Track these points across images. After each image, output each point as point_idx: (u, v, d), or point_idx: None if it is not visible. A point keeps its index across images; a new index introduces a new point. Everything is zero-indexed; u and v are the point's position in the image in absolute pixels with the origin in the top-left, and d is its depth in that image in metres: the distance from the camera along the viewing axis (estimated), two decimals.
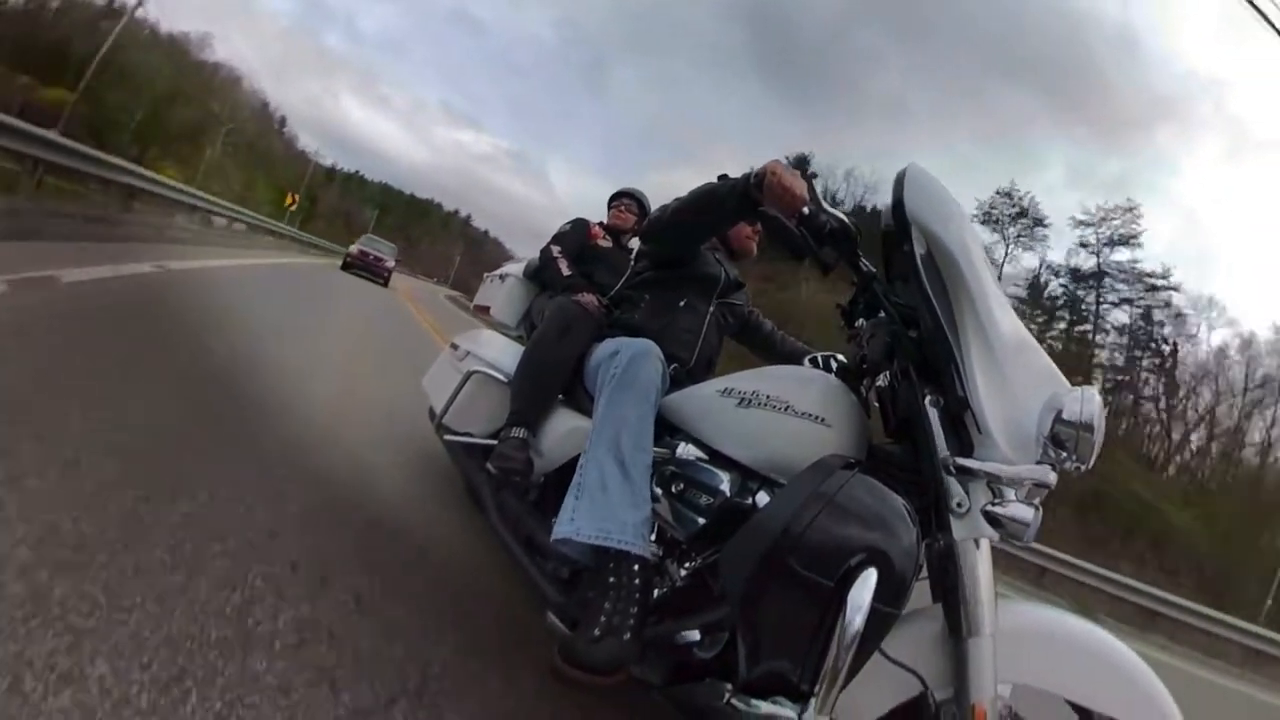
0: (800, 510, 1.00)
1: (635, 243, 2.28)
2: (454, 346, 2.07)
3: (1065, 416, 0.95)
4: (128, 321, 3.24)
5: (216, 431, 2.05)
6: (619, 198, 2.67)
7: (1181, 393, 27.03)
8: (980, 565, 1.00)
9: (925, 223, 1.08)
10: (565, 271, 2.24)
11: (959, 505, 1.01)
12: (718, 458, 1.29)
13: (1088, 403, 0.94)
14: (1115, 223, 30.59)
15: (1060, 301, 30.75)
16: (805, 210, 1.26)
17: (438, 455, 2.25)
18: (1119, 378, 28.39)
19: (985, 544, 1.01)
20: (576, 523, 1.22)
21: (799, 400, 1.23)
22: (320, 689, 1.07)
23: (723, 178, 1.44)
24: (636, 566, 1.20)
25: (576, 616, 1.21)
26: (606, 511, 1.21)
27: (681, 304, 1.72)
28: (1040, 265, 31.61)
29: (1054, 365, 1.08)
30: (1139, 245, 30.44)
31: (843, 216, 1.28)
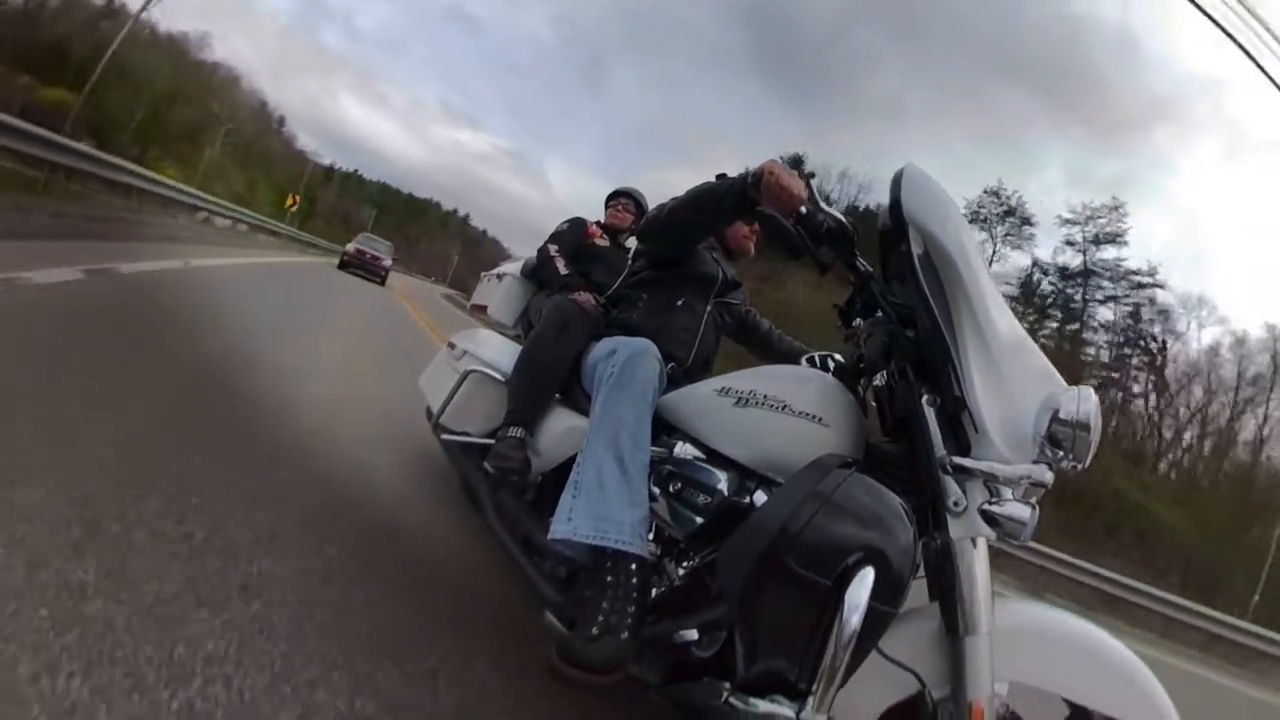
0: (798, 509, 1.00)
1: (633, 242, 2.28)
2: (451, 346, 2.07)
3: (1062, 416, 0.95)
4: (132, 316, 3.30)
5: (211, 430, 2.05)
6: (616, 197, 2.66)
7: (1171, 390, 27.17)
8: (977, 564, 1.00)
9: (922, 223, 1.08)
10: (562, 270, 2.24)
11: (956, 504, 1.01)
12: (715, 457, 1.29)
13: (1084, 402, 0.95)
14: (1101, 221, 30.89)
15: (1049, 300, 30.98)
16: (803, 210, 1.26)
17: (435, 454, 2.25)
18: (1108, 374, 28.52)
19: (982, 543, 1.02)
20: (574, 522, 1.22)
21: (796, 399, 1.23)
22: (316, 692, 1.07)
23: (721, 177, 1.44)
24: (634, 566, 1.20)
25: (574, 616, 1.21)
26: (604, 511, 1.21)
27: (679, 303, 1.72)
28: (1032, 265, 31.89)
29: (1050, 365, 1.09)
30: (1125, 243, 30.72)
31: (840, 216, 1.28)
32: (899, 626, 1.01)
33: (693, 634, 1.17)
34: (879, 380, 1.26)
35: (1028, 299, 30.17)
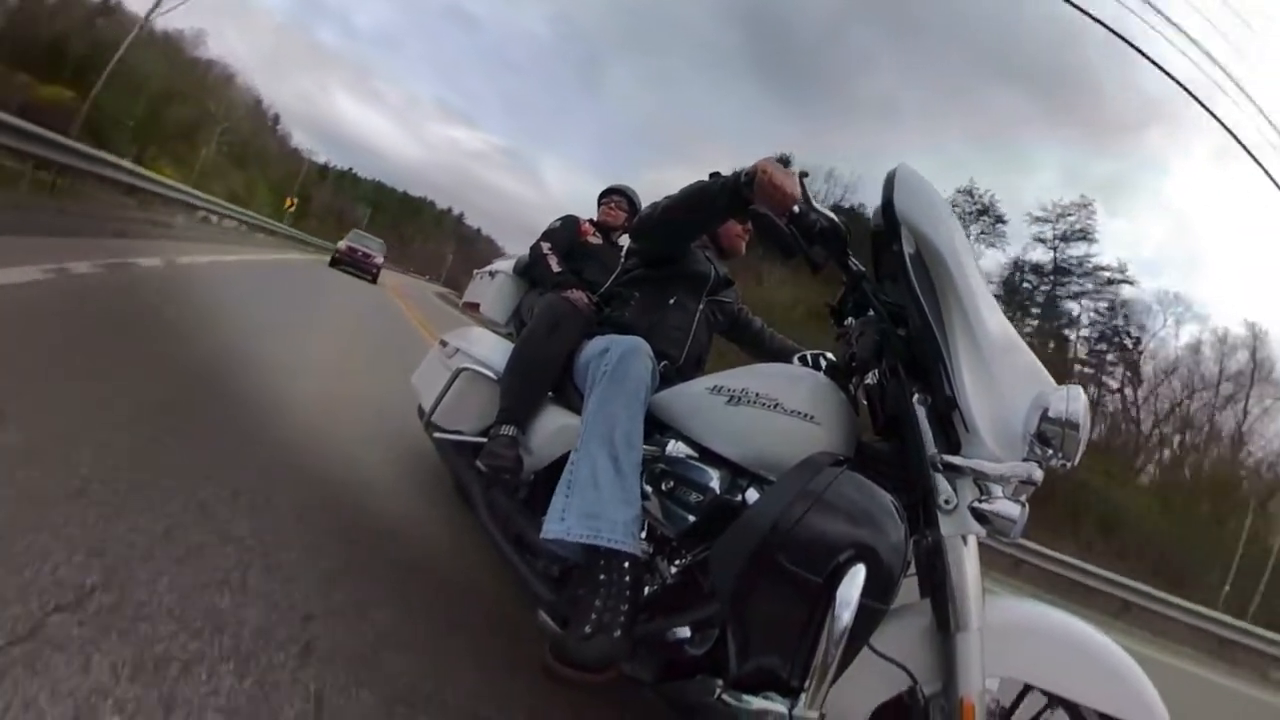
0: (789, 507, 1.01)
1: (625, 240, 2.28)
2: (443, 344, 2.06)
3: (1051, 414, 0.96)
4: (138, 310, 3.41)
5: (205, 430, 2.04)
6: (609, 194, 2.66)
7: (1144, 387, 27.51)
8: (967, 561, 1.01)
9: (914, 223, 1.09)
10: (555, 268, 2.24)
11: (946, 502, 1.02)
12: (707, 455, 1.29)
13: (1073, 401, 0.96)
14: (1071, 218, 31.12)
15: (1024, 296, 31.27)
16: (796, 209, 1.27)
17: (427, 453, 2.25)
18: (1083, 369, 28.85)
19: (972, 540, 1.03)
20: (567, 522, 1.22)
21: (788, 398, 1.24)
22: (311, 695, 1.07)
23: (714, 175, 1.44)
24: (627, 564, 1.20)
25: (567, 614, 1.21)
26: (597, 510, 1.21)
27: (671, 301, 1.72)
28: (1020, 264, 32.20)
29: (1040, 364, 1.10)
30: (1095, 240, 30.99)
31: (832, 216, 1.28)
32: (890, 623, 1.02)
33: (685, 632, 1.17)
34: (870, 379, 1.27)
35: (1010, 296, 30.48)
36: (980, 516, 1.00)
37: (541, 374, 1.62)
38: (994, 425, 1.02)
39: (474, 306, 2.51)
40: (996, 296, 1.11)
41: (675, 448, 1.33)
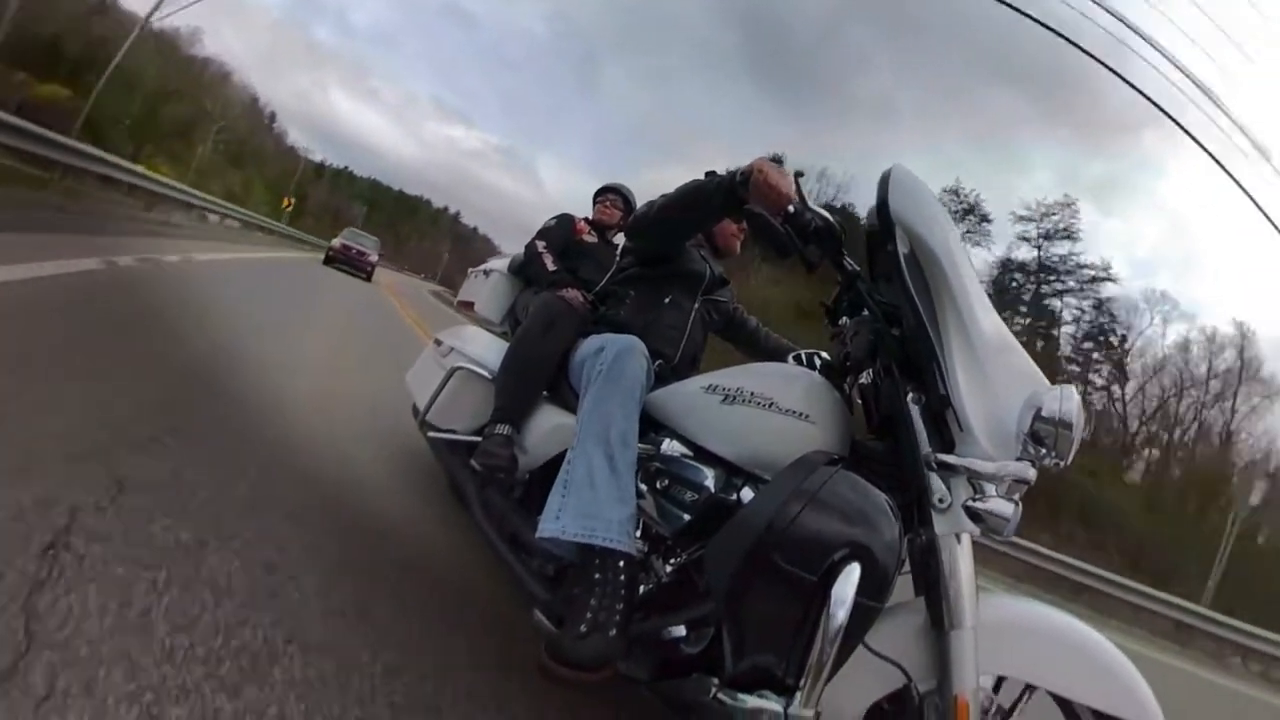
0: (784, 506, 1.01)
1: (621, 238, 2.28)
2: (438, 342, 2.06)
3: (1045, 414, 0.96)
4: (138, 310, 3.38)
5: (200, 428, 2.03)
6: (604, 193, 2.65)
7: (1130, 385, 27.73)
8: (961, 559, 1.02)
9: (909, 223, 1.09)
10: (550, 267, 2.23)
11: (940, 501, 1.02)
12: (702, 454, 1.29)
13: (1066, 400, 0.96)
14: (1055, 217, 31.32)
15: (1013, 295, 31.46)
16: (791, 209, 1.27)
17: (421, 452, 2.24)
18: (1070, 367, 29.05)
19: (966, 538, 1.03)
20: (562, 521, 1.22)
21: (783, 397, 1.24)
22: (309, 696, 1.07)
23: (710, 175, 1.44)
24: (622, 563, 1.20)
25: (562, 613, 1.21)
26: (593, 509, 1.21)
27: (666, 300, 1.72)
28: (1009, 263, 32.44)
29: (1034, 364, 1.10)
30: (1078, 238, 31.20)
31: (828, 215, 1.28)
32: (885, 621, 1.03)
33: (681, 630, 1.17)
34: (865, 378, 1.27)
35: (1000, 296, 30.66)
36: (974, 515, 1.00)
37: (536, 373, 1.62)
38: (988, 424, 1.03)
39: (469, 305, 2.51)
40: (987, 295, 1.12)
41: (670, 447, 1.33)
